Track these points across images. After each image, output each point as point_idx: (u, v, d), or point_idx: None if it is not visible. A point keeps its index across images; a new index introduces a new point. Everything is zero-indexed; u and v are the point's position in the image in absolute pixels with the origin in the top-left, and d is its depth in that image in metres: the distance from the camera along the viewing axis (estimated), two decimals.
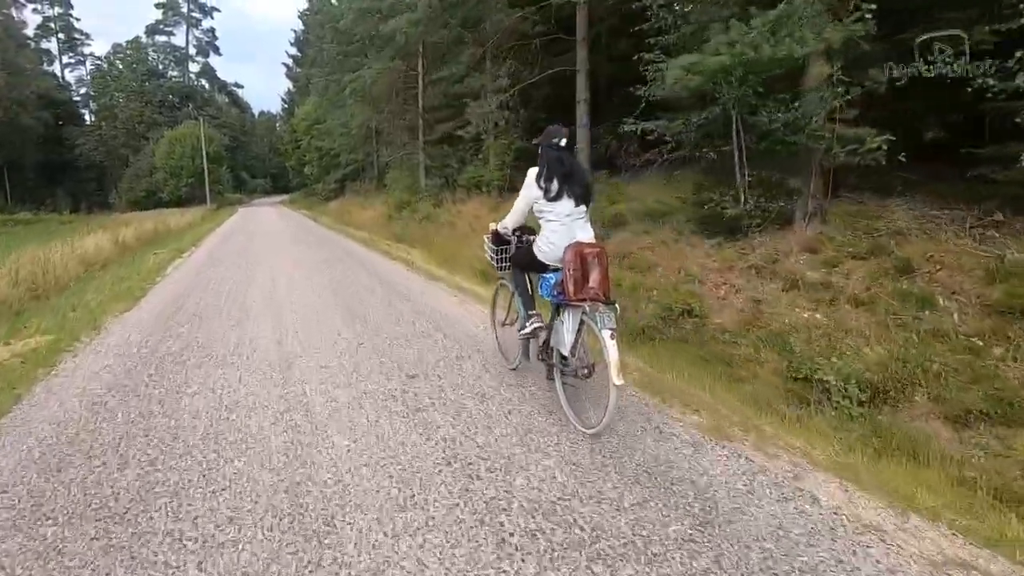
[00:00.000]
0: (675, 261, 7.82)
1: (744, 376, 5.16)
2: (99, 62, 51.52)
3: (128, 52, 51.64)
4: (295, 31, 49.87)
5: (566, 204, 3.16)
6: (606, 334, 2.74)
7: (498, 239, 3.76)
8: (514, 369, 3.96)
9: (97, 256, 13.34)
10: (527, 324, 3.42)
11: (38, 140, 47.62)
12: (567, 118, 12.31)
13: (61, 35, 57.43)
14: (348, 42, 24.02)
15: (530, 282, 3.53)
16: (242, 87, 69.65)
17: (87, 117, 54.88)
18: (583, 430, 2.97)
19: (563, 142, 3.23)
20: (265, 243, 14.19)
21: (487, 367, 4.09)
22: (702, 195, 7.55)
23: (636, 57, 7.85)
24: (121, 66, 51.14)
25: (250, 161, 71.12)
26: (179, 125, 45.96)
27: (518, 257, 3.57)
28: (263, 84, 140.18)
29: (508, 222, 3.60)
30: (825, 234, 6.58)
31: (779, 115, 6.26)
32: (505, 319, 4.13)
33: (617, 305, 2.93)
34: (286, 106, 51.87)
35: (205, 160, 40.70)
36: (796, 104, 6.29)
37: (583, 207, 3.21)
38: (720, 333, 5.98)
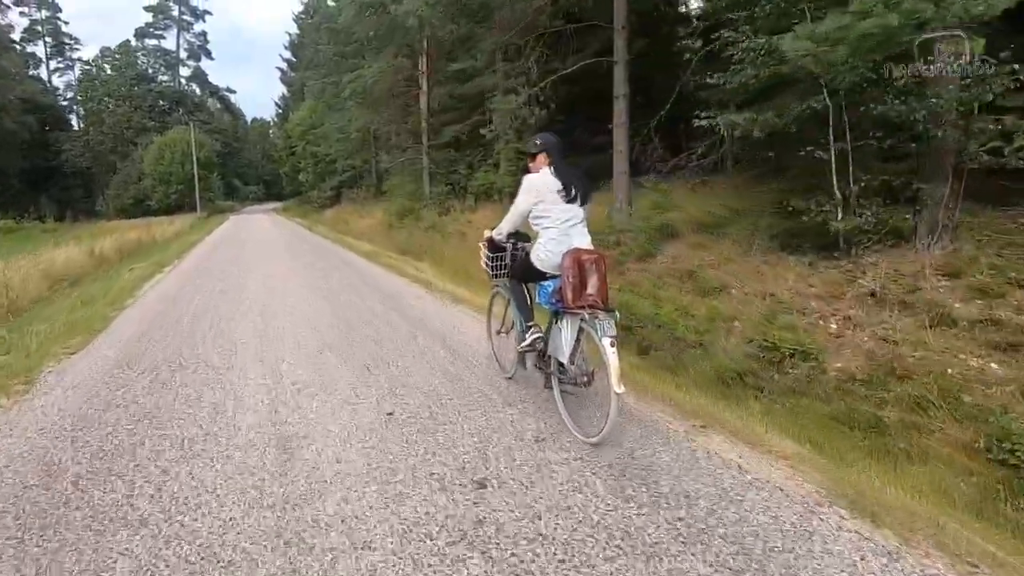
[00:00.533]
0: (754, 283, 6.47)
1: (909, 451, 3.79)
2: (87, 66, 49.76)
3: (117, 56, 50.06)
4: (289, 34, 48.53)
5: (567, 209, 3.15)
6: (606, 342, 2.68)
7: (493, 246, 3.68)
8: (510, 378, 3.84)
9: (67, 271, 11.88)
10: (526, 336, 3.35)
11: (22, 146, 45.95)
12: (599, 117, 11.06)
13: (49, 39, 55.88)
14: (346, 42, 22.71)
15: (528, 293, 3.48)
16: (234, 92, 68.10)
17: (75, 123, 53.33)
18: (583, 439, 2.87)
19: (555, 148, 3.28)
20: (256, 255, 12.77)
21: (589, 464, 2.70)
22: (790, 203, 6.19)
23: (682, 43, 6.54)
24: (110, 70, 49.51)
25: (242, 168, 69.52)
26: (169, 131, 44.42)
27: (516, 269, 3.53)
28: (256, 91, 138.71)
29: (504, 227, 3.50)
30: (962, 253, 5.24)
31: (912, 104, 4.92)
32: (500, 328, 4.00)
33: (616, 312, 2.86)
34: (280, 111, 50.44)
35: (195, 166, 39.18)
36: (931, 92, 4.95)
37: (581, 211, 3.21)
38: (846, 382, 4.62)
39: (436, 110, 18.01)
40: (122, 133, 47.25)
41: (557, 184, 3.14)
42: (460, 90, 16.22)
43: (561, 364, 3.06)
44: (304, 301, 7.04)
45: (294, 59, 45.36)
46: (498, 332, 4.06)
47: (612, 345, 2.65)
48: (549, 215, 3.15)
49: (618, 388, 2.60)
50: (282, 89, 50.86)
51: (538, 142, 3.34)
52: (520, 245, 3.61)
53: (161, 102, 51.14)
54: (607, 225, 8.95)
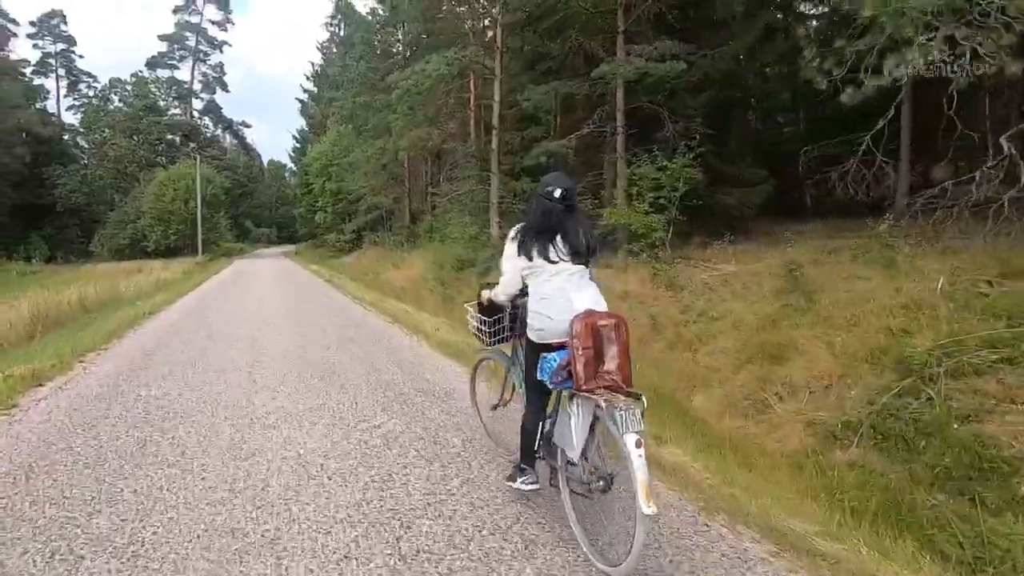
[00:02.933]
0: None
1: None
2: (93, 98, 46.17)
3: (128, 87, 46.60)
4: (312, 63, 44.97)
5: (557, 265, 2.48)
6: (630, 440, 2.03)
7: (488, 307, 3.01)
8: (512, 459, 2.98)
9: None
10: (519, 481, 2.64)
11: (16, 180, 41.92)
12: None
13: (61, 71, 52.92)
14: (387, 48, 18.24)
15: (546, 418, 2.61)
16: (250, 127, 64.20)
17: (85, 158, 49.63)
18: (601, 567, 2.18)
19: (557, 193, 2.51)
20: (244, 342, 7.38)
21: None
22: None
23: None
24: (118, 100, 45.98)
25: (255, 209, 65.60)
26: (175, 165, 40.21)
27: (527, 359, 2.67)
28: (270, 141, 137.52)
29: (500, 295, 2.85)
30: None
31: None
32: (499, 401, 3.34)
33: (643, 398, 2.15)
34: (298, 146, 46.29)
35: (199, 203, 34.54)
36: None
37: (581, 267, 2.52)
38: None
39: (514, 116, 13.03)
40: (125, 168, 43.08)
41: (516, 229, 2.62)
42: (535, 102, 11.26)
43: (570, 459, 2.36)
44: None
45: (316, 90, 41.49)
46: (493, 407, 3.40)
47: (638, 446, 2.02)
48: (542, 270, 2.50)
49: (647, 508, 1.95)
50: (300, 123, 47.05)
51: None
52: (521, 302, 2.81)
53: (170, 136, 47.32)
54: None
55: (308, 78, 43.22)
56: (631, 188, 10.20)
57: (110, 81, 45.99)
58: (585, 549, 2.30)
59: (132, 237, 39.47)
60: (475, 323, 3.15)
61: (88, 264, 35.72)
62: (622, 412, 2.08)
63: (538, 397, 2.59)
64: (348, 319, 9.16)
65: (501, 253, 2.74)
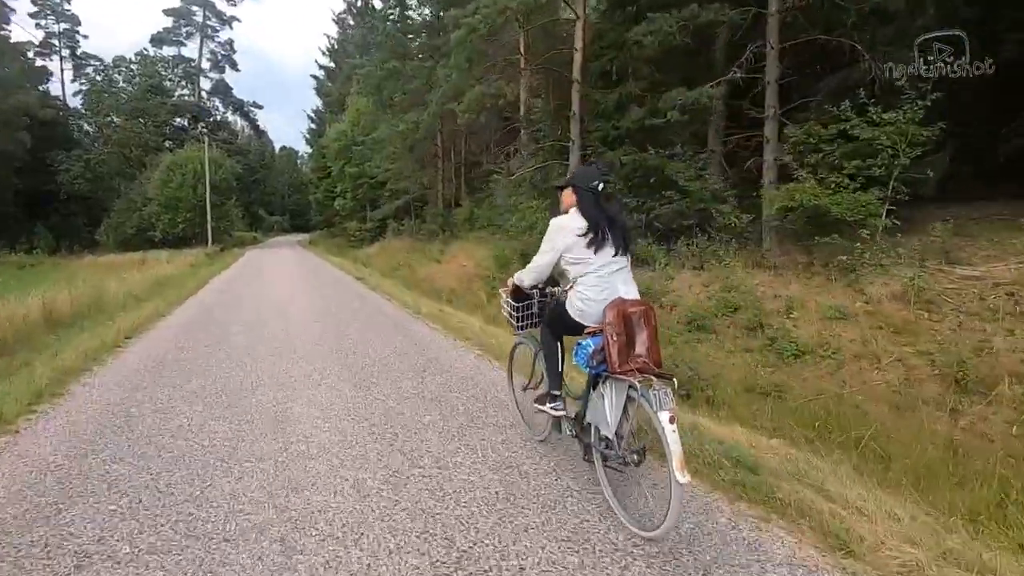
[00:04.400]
0: None
1: None
2: (94, 76, 43.17)
3: (133, 66, 43.70)
4: (328, 36, 41.58)
5: (606, 253, 2.68)
6: (664, 417, 2.21)
7: (518, 294, 3.21)
8: (542, 441, 3.36)
9: None
10: (548, 406, 2.98)
11: (18, 165, 39.45)
12: None
13: (65, 52, 50.12)
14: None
15: (562, 352, 3.03)
16: (261, 107, 60.27)
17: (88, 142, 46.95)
18: (639, 532, 2.38)
19: (600, 186, 2.73)
20: (273, 431, 4.44)
21: None
22: None
23: None
24: (122, 81, 43.07)
25: (268, 196, 62.88)
26: (182, 149, 37.42)
27: (551, 319, 3.02)
28: (281, 130, 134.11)
29: (526, 278, 3.02)
30: None
31: None
32: (529, 382, 3.53)
33: (675, 379, 2.37)
34: (314, 127, 43.15)
35: (208, 188, 31.79)
36: None
37: (624, 257, 2.74)
38: None
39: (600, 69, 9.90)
40: (130, 152, 40.39)
41: (583, 226, 2.68)
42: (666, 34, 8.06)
43: (605, 435, 2.55)
44: None
45: (333, 65, 38.28)
46: (525, 388, 3.59)
47: (672, 422, 2.21)
48: (585, 259, 2.69)
49: (681, 477, 2.15)
50: (312, 110, 43.84)
51: (566, 180, 2.92)
52: (548, 291, 3.18)
53: (177, 118, 44.46)
54: None
55: (324, 52, 39.98)
56: (806, 156, 7.11)
57: (114, 60, 43.04)
58: (621, 517, 2.48)
59: (138, 226, 36.85)
60: (507, 308, 3.28)
61: (91, 255, 33.20)
62: (656, 392, 2.26)
63: (551, 334, 2.98)
64: (425, 354, 6.07)
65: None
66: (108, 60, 44.93)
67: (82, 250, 37.73)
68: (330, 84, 38.41)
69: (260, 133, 57.08)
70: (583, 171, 2.83)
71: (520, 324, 3.26)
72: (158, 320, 8.70)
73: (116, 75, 43.12)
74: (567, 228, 2.70)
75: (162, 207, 34.51)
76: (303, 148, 69.86)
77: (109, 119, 40.91)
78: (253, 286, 13.42)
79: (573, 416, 2.87)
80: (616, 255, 2.66)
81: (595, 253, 2.63)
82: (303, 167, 63.42)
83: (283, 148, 72.61)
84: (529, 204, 10.65)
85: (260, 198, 57.93)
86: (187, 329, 7.78)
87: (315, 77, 41.95)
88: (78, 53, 49.52)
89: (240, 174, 40.94)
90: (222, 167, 36.18)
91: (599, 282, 2.62)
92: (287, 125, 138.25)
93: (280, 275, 16.52)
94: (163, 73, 44.61)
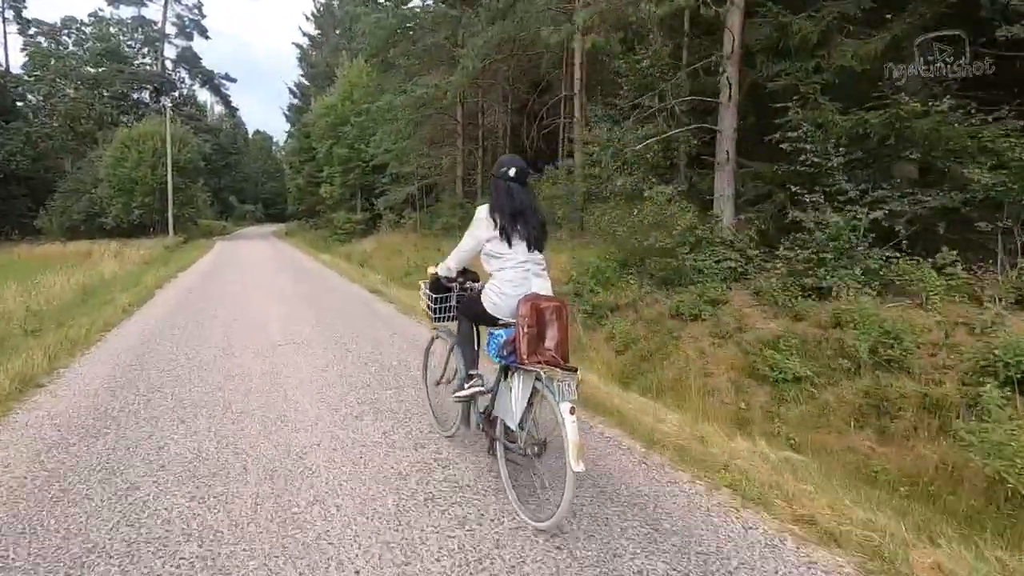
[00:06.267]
0: None
1: None
2: (36, 38, 37.44)
3: (84, 28, 38.18)
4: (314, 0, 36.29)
5: (519, 248, 2.73)
6: (564, 408, 2.26)
7: (437, 286, 3.24)
8: (450, 437, 3.38)
9: None
10: (465, 386, 2.94)
11: None
12: None
13: (9, 14, 44.04)
14: None
15: (477, 336, 3.06)
16: (235, 81, 53.94)
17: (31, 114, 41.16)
18: (530, 523, 2.43)
19: (512, 172, 2.77)
20: None
21: None
22: None
23: None
24: (71, 44, 37.56)
25: (240, 183, 57.47)
26: (141, 123, 32.41)
27: (466, 307, 3.05)
28: (255, 115, 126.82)
29: (451, 263, 3.07)
30: None
31: None
32: (441, 377, 3.54)
33: (578, 372, 2.39)
34: (296, 102, 38.28)
35: (170, 169, 27.11)
36: None
37: (538, 253, 2.80)
38: None
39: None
40: (80, 125, 35.11)
41: (487, 222, 2.75)
42: None
43: (509, 428, 2.63)
44: None
45: (318, 33, 33.65)
46: (437, 383, 3.59)
47: (572, 412, 2.26)
48: (501, 253, 2.74)
49: (576, 466, 2.19)
50: (288, 97, 38.89)
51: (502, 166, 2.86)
52: (468, 285, 3.22)
53: (137, 92, 39.17)
54: None
55: (308, 18, 35.26)
56: None
57: (63, 20, 37.44)
58: (516, 508, 2.54)
59: (88, 211, 31.82)
60: (426, 300, 3.32)
61: (26, 245, 28.13)
62: (559, 383, 2.30)
63: (467, 323, 3.00)
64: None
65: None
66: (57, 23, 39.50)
67: (21, 238, 32.56)
68: (315, 53, 33.79)
69: (233, 111, 51.68)
70: (500, 160, 2.87)
71: (438, 316, 3.27)
72: (11, 401, 4.50)
73: (66, 37, 37.60)
74: (484, 219, 2.75)
75: (115, 189, 29.61)
76: (279, 134, 64.57)
77: (58, 88, 35.45)
78: (226, 302, 9.29)
79: (482, 411, 2.88)
80: (530, 250, 2.72)
81: (509, 247, 2.69)
82: (278, 154, 58.30)
83: (257, 132, 67.18)
84: (663, 190, 6.89)
85: (231, 184, 52.64)
86: (59, 450, 3.75)
87: (298, 45, 37.32)
88: (24, 16, 43.69)
89: (208, 155, 36.01)
90: (188, 145, 31.35)
91: (515, 277, 2.68)
92: (261, 110, 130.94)
93: (260, 284, 12.38)
94: (121, 37, 39.14)
